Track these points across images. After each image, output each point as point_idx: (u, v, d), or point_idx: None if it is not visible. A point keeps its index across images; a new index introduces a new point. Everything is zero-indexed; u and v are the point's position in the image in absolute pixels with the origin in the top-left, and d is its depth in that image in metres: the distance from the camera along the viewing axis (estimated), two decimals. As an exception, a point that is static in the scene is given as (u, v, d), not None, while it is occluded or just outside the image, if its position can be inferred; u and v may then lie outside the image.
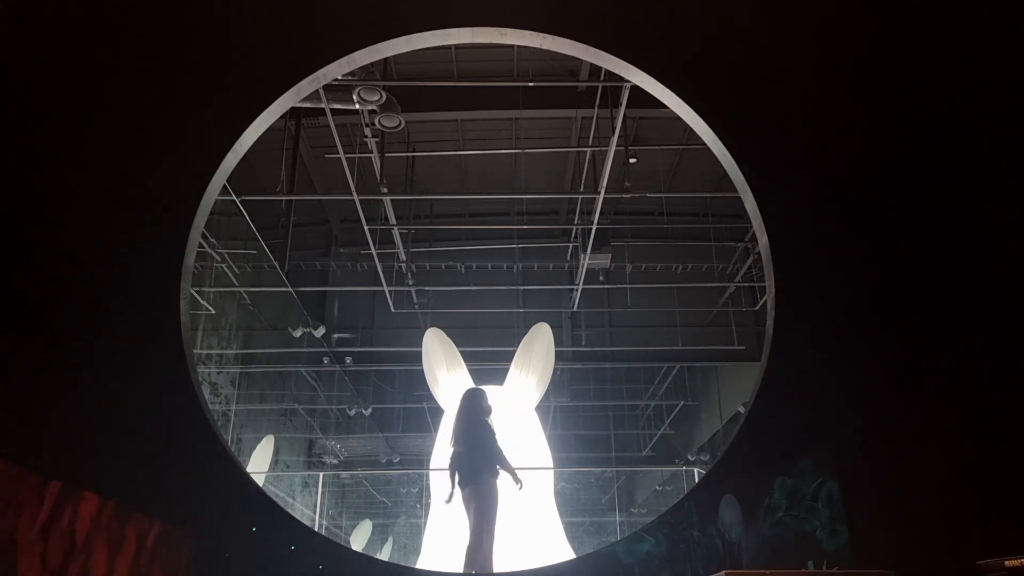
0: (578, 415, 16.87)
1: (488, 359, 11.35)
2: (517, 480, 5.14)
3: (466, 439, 5.18)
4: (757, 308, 13.67)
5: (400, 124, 9.15)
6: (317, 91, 7.98)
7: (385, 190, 9.83)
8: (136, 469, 3.99)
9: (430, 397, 9.30)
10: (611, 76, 7.46)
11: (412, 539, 14.41)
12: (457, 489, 5.05)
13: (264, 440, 12.70)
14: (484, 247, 13.82)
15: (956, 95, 4.77)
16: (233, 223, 10.61)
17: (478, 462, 5.04)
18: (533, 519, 7.81)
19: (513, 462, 5.21)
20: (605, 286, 13.96)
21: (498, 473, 5.08)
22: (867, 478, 3.96)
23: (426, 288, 13.23)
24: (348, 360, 14.62)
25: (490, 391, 6.03)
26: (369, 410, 15.76)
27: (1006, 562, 3.18)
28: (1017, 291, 4.24)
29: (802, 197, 4.72)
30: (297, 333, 12.98)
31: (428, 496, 9.84)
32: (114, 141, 4.67)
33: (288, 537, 4.24)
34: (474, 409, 5.38)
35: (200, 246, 7.98)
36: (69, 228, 4.45)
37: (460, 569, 4.85)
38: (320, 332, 13.14)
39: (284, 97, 4.88)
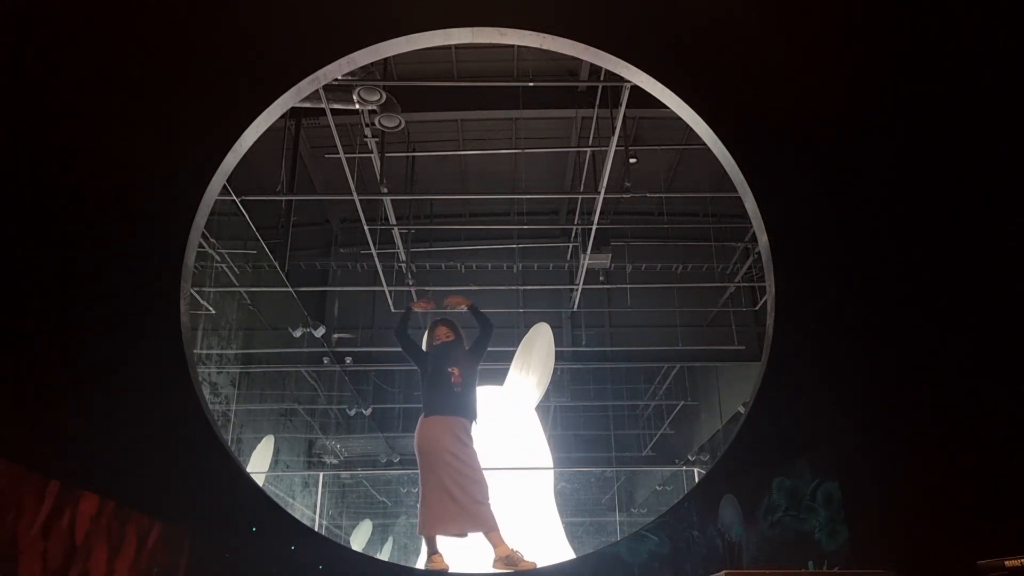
0: (578, 415, 16.86)
1: (488, 359, 11.28)
2: None
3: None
4: (757, 308, 13.67)
5: (400, 124, 9.15)
6: (317, 91, 7.98)
7: (385, 190, 9.83)
8: (136, 469, 3.98)
9: (430, 397, 9.26)
10: (611, 76, 7.46)
11: (412, 539, 14.39)
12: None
13: (264, 440, 12.70)
14: (484, 247, 13.82)
15: (961, 95, 4.76)
16: (233, 223, 10.61)
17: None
18: (533, 519, 7.81)
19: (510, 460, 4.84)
20: (605, 286, 13.97)
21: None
22: (867, 478, 3.95)
23: (426, 288, 13.23)
24: (348, 360, 14.61)
25: (490, 391, 5.95)
26: (369, 410, 15.75)
27: (1006, 562, 3.17)
28: (1018, 292, 4.24)
29: (802, 197, 4.71)
30: (297, 333, 12.98)
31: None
32: (113, 141, 4.66)
33: (288, 537, 4.24)
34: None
35: (200, 246, 7.97)
36: (68, 228, 4.44)
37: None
38: (320, 332, 13.13)
39: (284, 97, 4.87)
